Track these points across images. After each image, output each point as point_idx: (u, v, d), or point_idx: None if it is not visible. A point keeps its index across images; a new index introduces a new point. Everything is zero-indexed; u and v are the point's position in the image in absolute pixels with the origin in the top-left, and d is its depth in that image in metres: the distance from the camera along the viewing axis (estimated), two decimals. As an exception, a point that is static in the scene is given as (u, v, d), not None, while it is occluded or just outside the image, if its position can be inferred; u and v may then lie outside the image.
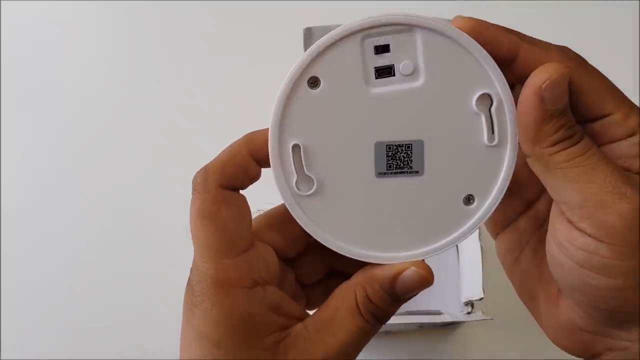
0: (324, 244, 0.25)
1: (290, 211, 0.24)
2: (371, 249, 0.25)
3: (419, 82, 0.23)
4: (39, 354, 0.52)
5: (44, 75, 0.62)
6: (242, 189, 0.25)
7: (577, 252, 0.22)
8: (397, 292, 0.24)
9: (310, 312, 0.26)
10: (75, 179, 0.58)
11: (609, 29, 0.58)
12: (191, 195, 0.24)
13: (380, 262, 0.25)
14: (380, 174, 0.24)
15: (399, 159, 0.24)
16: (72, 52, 0.63)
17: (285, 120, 0.23)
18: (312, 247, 0.27)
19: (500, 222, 0.28)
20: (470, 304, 0.45)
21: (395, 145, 0.24)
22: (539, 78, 0.22)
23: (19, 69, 0.62)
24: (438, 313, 0.44)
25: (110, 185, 0.57)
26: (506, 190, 0.24)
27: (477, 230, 0.45)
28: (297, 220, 0.24)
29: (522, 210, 0.27)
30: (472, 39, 0.23)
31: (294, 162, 0.24)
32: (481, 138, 0.24)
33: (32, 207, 0.57)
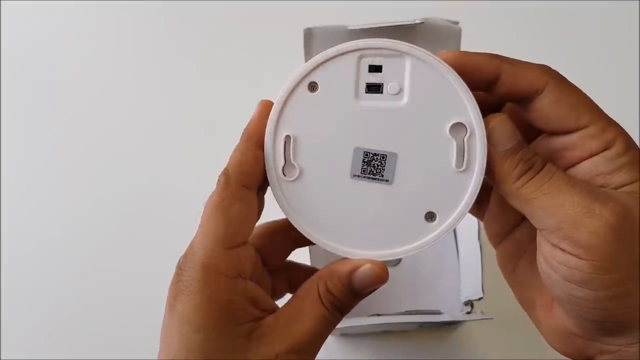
0: (293, 223, 0.27)
1: (273, 191, 0.27)
2: (332, 240, 0.27)
3: (403, 102, 0.26)
4: (38, 354, 0.52)
5: (43, 75, 0.63)
6: (259, 183, 0.27)
7: (560, 267, 0.24)
8: (354, 286, 0.27)
9: None
10: (75, 179, 0.58)
11: (609, 29, 0.58)
12: (214, 189, 0.26)
13: (337, 253, 0.27)
14: (354, 176, 0.27)
15: (373, 165, 0.26)
16: (72, 51, 0.64)
17: (283, 114, 0.26)
18: (286, 266, 0.31)
19: (499, 233, 0.30)
20: (470, 303, 0.45)
21: (372, 153, 0.26)
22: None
23: (19, 69, 0.62)
24: (438, 313, 0.45)
25: (109, 184, 0.57)
26: (469, 211, 0.26)
27: (477, 231, 0.45)
28: (276, 200, 0.27)
29: (518, 222, 0.29)
30: (452, 71, 0.25)
31: (284, 150, 0.26)
32: (450, 162, 0.26)
33: (31, 207, 0.57)
